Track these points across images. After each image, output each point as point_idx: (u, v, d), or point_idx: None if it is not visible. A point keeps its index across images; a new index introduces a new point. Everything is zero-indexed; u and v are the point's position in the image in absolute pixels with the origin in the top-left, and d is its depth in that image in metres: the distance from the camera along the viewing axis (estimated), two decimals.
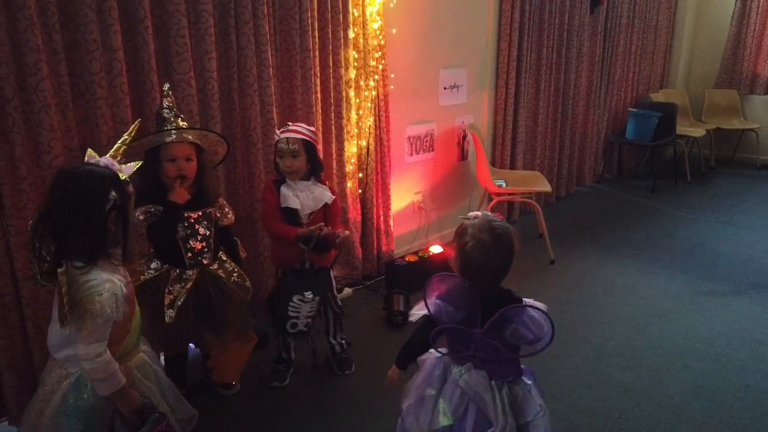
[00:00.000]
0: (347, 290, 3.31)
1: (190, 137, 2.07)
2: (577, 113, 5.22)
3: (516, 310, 1.56)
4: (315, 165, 2.38)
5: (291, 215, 2.34)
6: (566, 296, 3.31)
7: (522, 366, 1.69)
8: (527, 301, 1.61)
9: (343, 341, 2.62)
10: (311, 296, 2.32)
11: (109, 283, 1.48)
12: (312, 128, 2.42)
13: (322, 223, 2.31)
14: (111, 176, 1.51)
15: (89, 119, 2.15)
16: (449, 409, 1.61)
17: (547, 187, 4.01)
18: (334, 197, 2.42)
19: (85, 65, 2.10)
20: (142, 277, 2.06)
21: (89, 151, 1.58)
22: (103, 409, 1.60)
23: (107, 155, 1.57)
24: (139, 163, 1.63)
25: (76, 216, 1.46)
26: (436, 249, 3.57)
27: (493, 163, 4.46)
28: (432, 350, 1.73)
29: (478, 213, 1.66)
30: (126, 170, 1.56)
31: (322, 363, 2.62)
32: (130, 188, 1.56)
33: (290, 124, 2.37)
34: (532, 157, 4.81)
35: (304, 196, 2.34)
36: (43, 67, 1.96)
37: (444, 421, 1.62)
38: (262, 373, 2.51)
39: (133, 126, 1.73)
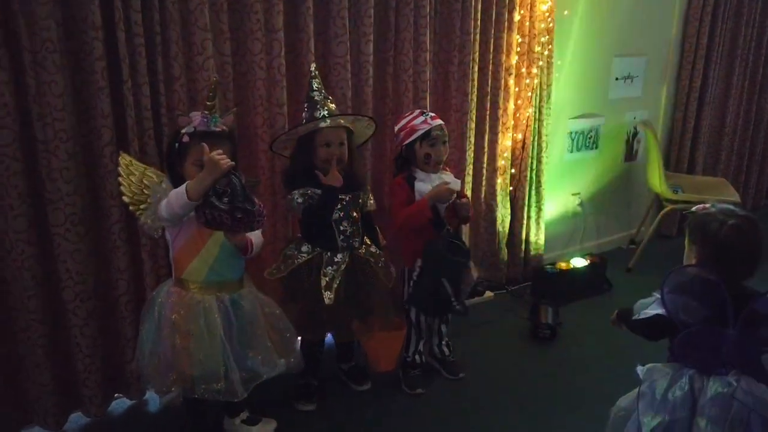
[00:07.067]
0: (488, 293, 3.10)
1: (344, 122, 2.01)
2: None
3: None
4: None
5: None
6: None
7: None
8: None
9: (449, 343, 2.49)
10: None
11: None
12: None
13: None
14: (177, 132, 1.77)
15: (246, 100, 2.16)
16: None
17: (734, 197, 3.44)
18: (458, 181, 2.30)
19: (248, 46, 2.11)
20: (296, 261, 2.03)
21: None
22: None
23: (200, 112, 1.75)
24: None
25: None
26: (579, 261, 3.20)
27: (666, 166, 3.93)
28: (657, 365, 1.51)
29: (706, 204, 1.53)
30: (197, 125, 1.73)
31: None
32: (185, 139, 1.72)
33: (428, 111, 2.24)
34: (714, 162, 4.18)
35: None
36: (208, 46, 2.00)
37: None
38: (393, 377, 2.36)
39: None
